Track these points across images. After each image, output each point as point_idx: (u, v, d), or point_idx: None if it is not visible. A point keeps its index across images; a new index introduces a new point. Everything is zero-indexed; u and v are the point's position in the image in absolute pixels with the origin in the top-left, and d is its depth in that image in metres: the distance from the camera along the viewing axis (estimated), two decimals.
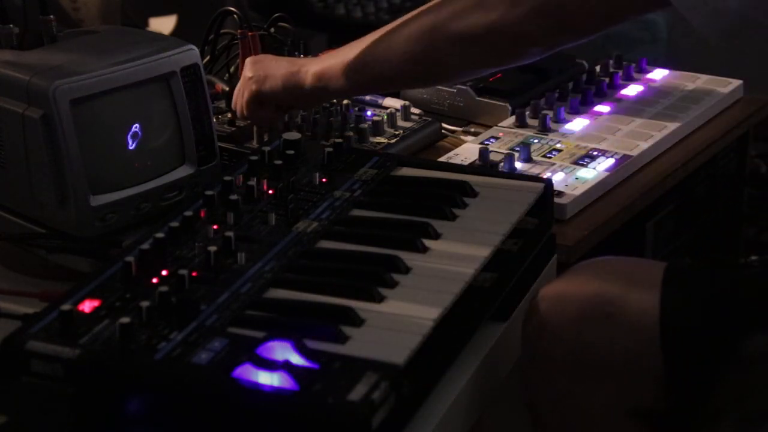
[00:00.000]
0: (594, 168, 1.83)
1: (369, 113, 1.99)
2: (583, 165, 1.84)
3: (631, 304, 1.51)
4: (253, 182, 1.52)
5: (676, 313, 1.50)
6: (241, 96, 1.81)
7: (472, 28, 1.62)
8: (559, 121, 1.99)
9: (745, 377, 1.44)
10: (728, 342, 1.47)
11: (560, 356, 1.51)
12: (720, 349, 1.47)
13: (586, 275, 1.56)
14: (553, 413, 1.56)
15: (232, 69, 2.04)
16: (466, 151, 1.87)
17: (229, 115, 1.93)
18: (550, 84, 2.10)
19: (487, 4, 1.60)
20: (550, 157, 1.86)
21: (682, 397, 1.49)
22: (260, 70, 1.78)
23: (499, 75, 2.10)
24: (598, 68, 2.17)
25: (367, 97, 2.09)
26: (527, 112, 2.00)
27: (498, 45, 1.64)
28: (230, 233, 1.40)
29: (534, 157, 1.85)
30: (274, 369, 1.18)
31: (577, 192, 1.76)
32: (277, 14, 2.08)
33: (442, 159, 1.85)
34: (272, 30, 2.06)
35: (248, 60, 1.82)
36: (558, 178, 1.78)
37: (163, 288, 1.29)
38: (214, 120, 1.73)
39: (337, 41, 2.57)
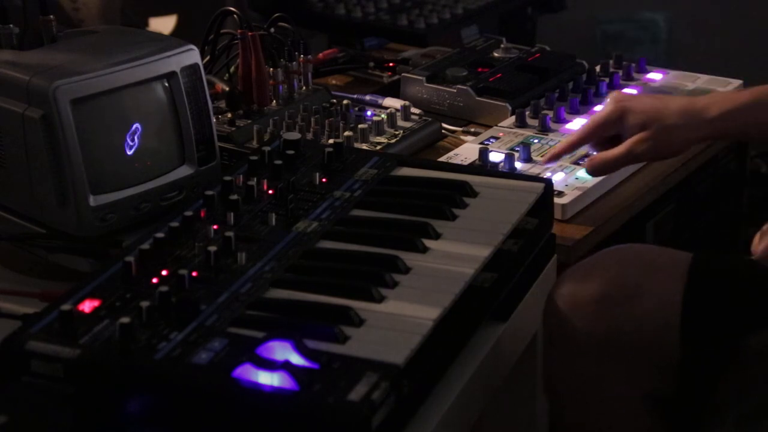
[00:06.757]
0: None
1: (369, 113, 1.98)
2: (583, 165, 1.83)
3: (653, 290, 1.52)
4: (253, 182, 1.52)
5: (699, 308, 1.50)
6: None
7: None
8: (559, 121, 1.98)
9: (747, 373, 1.44)
10: (737, 339, 1.48)
11: (580, 336, 1.52)
12: (735, 344, 1.48)
13: (611, 260, 1.57)
14: (570, 394, 1.56)
15: (232, 69, 2.04)
16: (466, 151, 1.87)
17: (229, 115, 1.93)
18: (550, 84, 2.10)
19: None
20: None
21: (693, 388, 1.50)
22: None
23: (499, 75, 2.10)
24: (598, 68, 2.17)
25: (367, 97, 2.10)
26: (527, 112, 2.00)
27: None
28: (230, 233, 1.40)
29: (534, 157, 1.85)
30: (274, 369, 1.18)
31: (577, 192, 1.76)
32: (277, 14, 2.08)
33: (442, 159, 1.85)
34: (272, 30, 2.06)
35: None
36: (558, 178, 1.78)
37: (163, 288, 1.29)
38: (214, 120, 1.73)
39: (337, 41, 2.58)
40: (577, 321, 1.51)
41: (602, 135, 1.71)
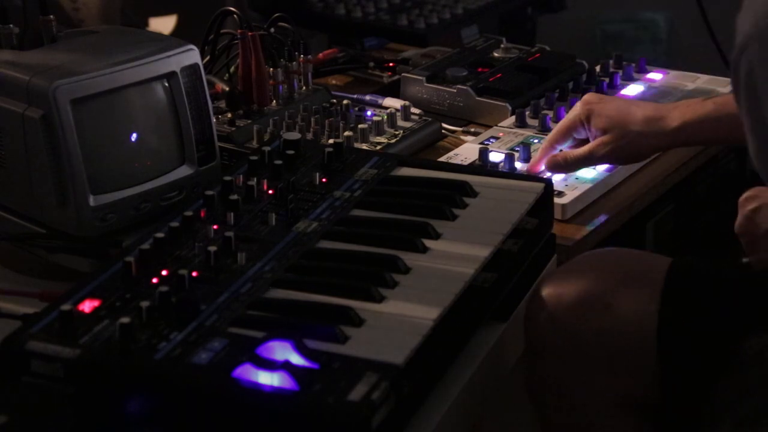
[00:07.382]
0: (594, 168, 1.82)
1: (369, 113, 1.98)
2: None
3: (629, 297, 1.52)
4: (253, 182, 1.52)
5: (676, 314, 1.50)
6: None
7: None
8: (559, 121, 1.98)
9: (744, 378, 1.44)
10: (727, 343, 1.47)
11: (558, 345, 1.52)
12: (718, 350, 1.48)
13: (588, 266, 1.57)
14: (553, 403, 1.56)
15: (232, 69, 2.04)
16: (466, 151, 1.87)
17: (229, 115, 1.93)
18: (550, 84, 2.10)
19: None
20: None
21: (677, 394, 1.50)
22: None
23: (499, 75, 2.10)
24: (598, 68, 2.17)
25: (367, 97, 2.10)
26: (527, 112, 1.99)
27: None
28: (230, 233, 1.40)
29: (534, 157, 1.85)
30: (274, 369, 1.18)
31: (577, 192, 1.76)
32: (277, 14, 2.08)
33: (442, 159, 1.85)
34: (272, 30, 2.06)
35: None
36: (558, 178, 1.78)
37: (163, 288, 1.29)
38: (214, 120, 1.73)
39: (337, 41, 2.58)
40: (556, 327, 1.51)
41: (571, 137, 1.77)
